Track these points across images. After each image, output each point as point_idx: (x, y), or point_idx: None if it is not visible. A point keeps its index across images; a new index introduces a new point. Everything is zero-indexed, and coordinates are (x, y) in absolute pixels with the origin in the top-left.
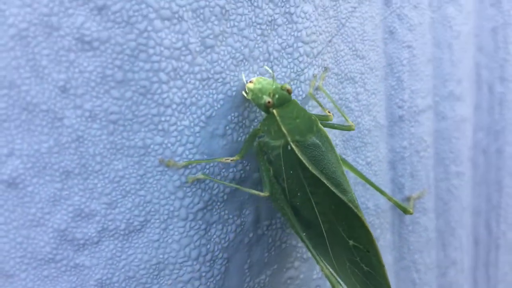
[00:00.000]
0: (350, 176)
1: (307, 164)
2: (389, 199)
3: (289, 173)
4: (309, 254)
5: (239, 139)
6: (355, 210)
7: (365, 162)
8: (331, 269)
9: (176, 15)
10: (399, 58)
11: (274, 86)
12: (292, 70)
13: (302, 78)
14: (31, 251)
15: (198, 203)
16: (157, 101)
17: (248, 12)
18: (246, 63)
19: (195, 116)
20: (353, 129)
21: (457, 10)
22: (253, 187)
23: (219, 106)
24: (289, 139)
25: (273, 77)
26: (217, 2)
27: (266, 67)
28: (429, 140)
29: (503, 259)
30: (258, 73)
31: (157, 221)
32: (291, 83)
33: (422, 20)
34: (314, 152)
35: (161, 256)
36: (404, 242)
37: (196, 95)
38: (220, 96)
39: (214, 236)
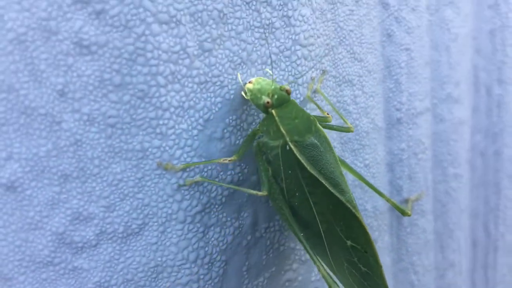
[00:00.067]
0: (349, 178)
1: (305, 164)
2: (387, 200)
3: (287, 173)
4: (308, 256)
5: (237, 142)
6: (353, 211)
7: (363, 165)
8: (328, 270)
9: (174, 19)
10: (397, 61)
11: (273, 87)
12: (290, 73)
13: (300, 81)
14: (30, 254)
15: (196, 206)
16: (155, 104)
17: (246, 15)
18: (244, 66)
19: (193, 119)
20: (352, 131)
21: (454, 13)
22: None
23: (217, 109)
24: (287, 139)
25: (272, 78)
26: (215, 5)
27: (267, 69)
28: (427, 142)
29: (501, 261)
30: (256, 76)
31: (155, 224)
32: (289, 85)
33: (420, 22)
34: (313, 152)
35: (159, 259)
36: (402, 244)
37: (194, 99)
38: (218, 99)
39: (212, 239)
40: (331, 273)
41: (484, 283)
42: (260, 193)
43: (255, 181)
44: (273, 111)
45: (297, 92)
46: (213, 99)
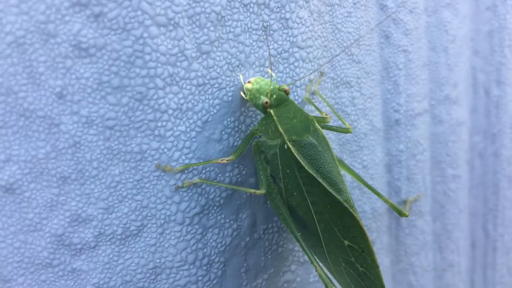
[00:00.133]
0: (347, 179)
1: (303, 163)
2: (385, 201)
3: (285, 172)
4: (306, 258)
5: (235, 143)
6: (351, 210)
7: (361, 166)
8: (326, 270)
9: (172, 22)
10: (395, 62)
11: (271, 87)
12: (288, 75)
13: (298, 83)
14: (29, 256)
15: (195, 207)
16: (154, 106)
17: (244, 18)
18: (242, 68)
19: (191, 121)
20: (350, 132)
21: (452, 14)
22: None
23: (215, 111)
24: (285, 138)
25: (271, 77)
26: (213, 8)
27: (269, 70)
28: (426, 143)
29: (500, 261)
30: (254, 77)
31: (154, 225)
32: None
33: (418, 24)
34: (310, 152)
35: (158, 260)
36: (401, 245)
37: (192, 101)
38: (216, 101)
39: (211, 240)
40: (328, 273)
41: (483, 283)
42: (258, 192)
43: (253, 183)
44: (272, 111)
45: (295, 94)
46: (211, 101)
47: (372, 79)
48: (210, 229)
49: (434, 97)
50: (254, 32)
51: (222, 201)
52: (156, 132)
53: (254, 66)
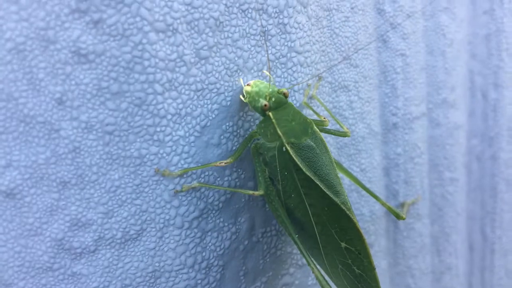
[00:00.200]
0: (345, 183)
1: (301, 166)
2: (383, 204)
3: (283, 174)
4: (304, 261)
5: (234, 148)
6: (348, 212)
7: (359, 169)
8: (322, 271)
9: (171, 28)
10: (392, 66)
11: (270, 90)
12: (286, 80)
13: (296, 87)
14: (29, 260)
15: (194, 211)
16: (152, 112)
17: (242, 23)
18: (240, 73)
19: (190, 126)
20: (348, 135)
21: (450, 18)
22: (248, 196)
23: (213, 116)
24: (284, 140)
25: (270, 80)
26: (211, 14)
27: (266, 72)
28: (423, 146)
29: (498, 263)
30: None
31: (153, 229)
32: None
33: (415, 28)
34: (309, 154)
35: (157, 264)
36: (399, 247)
37: (191, 106)
38: (215, 106)
39: (210, 244)
40: (325, 275)
41: (481, 286)
42: (256, 193)
43: (252, 186)
44: (270, 114)
45: (293, 98)
46: (210, 106)
47: (370, 83)
48: (209, 233)
49: (431, 101)
50: (252, 37)
51: (220, 205)
52: (155, 137)
53: (252, 71)
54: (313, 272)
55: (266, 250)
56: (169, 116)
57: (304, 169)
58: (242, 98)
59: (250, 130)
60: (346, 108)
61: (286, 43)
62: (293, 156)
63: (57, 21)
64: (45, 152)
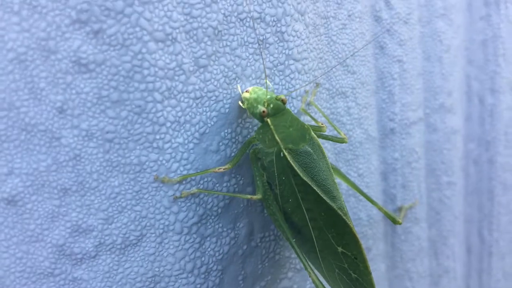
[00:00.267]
0: (343, 188)
1: (298, 171)
2: (380, 209)
3: (281, 179)
4: (302, 265)
5: (233, 154)
6: (344, 217)
7: (357, 174)
8: (320, 276)
9: (170, 37)
10: (389, 73)
11: (268, 96)
12: (284, 87)
13: (294, 94)
14: (31, 266)
15: (193, 217)
16: (152, 119)
17: (240, 32)
18: (238, 81)
19: (189, 133)
20: (346, 142)
21: (447, 25)
22: (246, 201)
23: (212, 123)
24: (282, 146)
25: (266, 85)
26: (210, 23)
27: (267, 81)
28: (421, 151)
29: (496, 266)
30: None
31: (153, 235)
32: None
33: (412, 35)
34: (306, 160)
35: (156, 269)
36: (397, 251)
37: (190, 113)
38: (214, 113)
39: (209, 249)
40: (322, 279)
41: None
42: (254, 197)
43: (250, 192)
44: (269, 120)
45: (292, 105)
46: (208, 114)
47: (367, 89)
48: (208, 238)
49: (428, 106)
50: (250, 45)
51: (219, 210)
52: (155, 144)
53: (250, 78)
54: (310, 276)
55: (264, 254)
56: (168, 124)
57: (301, 175)
58: (241, 105)
59: (248, 136)
60: (343, 114)
61: (284, 51)
62: (290, 161)
63: (58, 32)
64: (46, 160)
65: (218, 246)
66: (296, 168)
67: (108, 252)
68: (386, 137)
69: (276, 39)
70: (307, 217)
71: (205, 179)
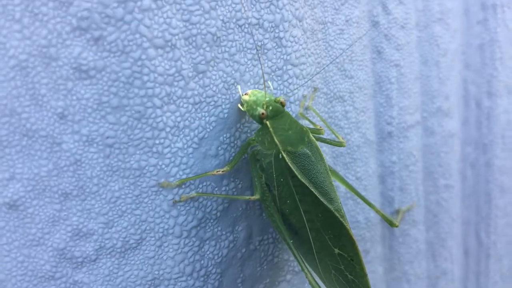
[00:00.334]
0: (341, 191)
1: (296, 173)
2: (377, 211)
3: (279, 180)
4: (300, 267)
5: (231, 158)
6: (341, 219)
7: (355, 177)
8: (316, 277)
9: (169, 43)
10: (387, 77)
11: (268, 98)
12: (282, 92)
13: (292, 99)
14: (32, 269)
15: (192, 221)
16: (152, 125)
17: (239, 38)
18: (237, 86)
19: (188, 138)
20: (344, 145)
21: (444, 29)
22: (245, 204)
23: (211, 128)
24: (280, 148)
25: (265, 89)
26: (209, 29)
27: (266, 83)
28: (418, 154)
29: (493, 268)
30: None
31: (153, 238)
32: None
33: (409, 39)
34: (304, 162)
35: (156, 272)
36: (395, 253)
37: (189, 118)
38: (212, 118)
39: (208, 252)
40: (318, 280)
41: None
42: (253, 198)
43: (249, 195)
44: (268, 122)
45: (290, 109)
46: (207, 118)
47: (364, 93)
48: (207, 241)
49: (426, 110)
50: (248, 51)
51: (218, 214)
52: (154, 149)
53: (249, 83)
54: (306, 277)
55: (263, 257)
56: (167, 129)
57: (299, 176)
58: (241, 107)
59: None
60: (341, 118)
61: (282, 56)
62: (289, 163)
63: (59, 39)
64: (47, 165)
65: (217, 249)
66: (294, 170)
67: (109, 256)
68: (383, 141)
69: (274, 44)
70: (304, 218)
71: (204, 183)
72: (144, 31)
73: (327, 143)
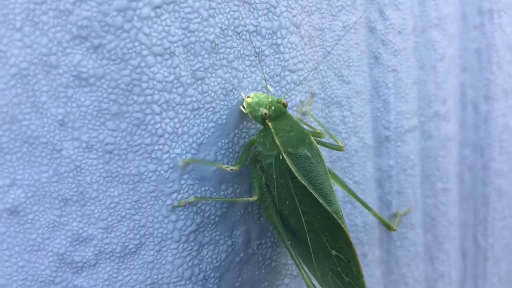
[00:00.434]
0: (339, 195)
1: (296, 174)
2: (375, 215)
3: (279, 181)
4: (297, 269)
5: (230, 164)
6: (339, 221)
7: (352, 181)
8: (313, 278)
9: (168, 51)
10: (384, 82)
11: (270, 99)
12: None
13: (289, 104)
14: (32, 274)
15: (191, 225)
16: (150, 131)
17: (237, 45)
18: (235, 92)
19: (186, 144)
20: (343, 150)
21: (441, 34)
22: (244, 209)
23: (209, 133)
24: (281, 149)
25: (267, 91)
26: (207, 37)
27: (268, 86)
28: (416, 158)
29: (491, 271)
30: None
31: (151, 243)
32: None
33: (406, 44)
34: (304, 163)
35: (155, 276)
36: (392, 256)
37: (187, 124)
38: (211, 124)
39: (206, 257)
40: (315, 281)
41: None
42: (251, 199)
43: (248, 201)
44: (270, 124)
45: None
46: (206, 124)
47: (362, 98)
48: (206, 246)
49: (423, 114)
50: (246, 58)
51: (217, 218)
52: (153, 155)
53: (247, 90)
54: (303, 278)
55: (261, 261)
56: (166, 135)
57: (299, 178)
58: (243, 109)
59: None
60: (339, 123)
61: (279, 63)
62: (289, 164)
63: (59, 47)
64: (48, 171)
65: (215, 253)
66: (294, 171)
67: (108, 260)
68: (381, 145)
69: (272, 51)
70: (303, 219)
71: (203, 188)
72: (143, 39)
73: (327, 147)
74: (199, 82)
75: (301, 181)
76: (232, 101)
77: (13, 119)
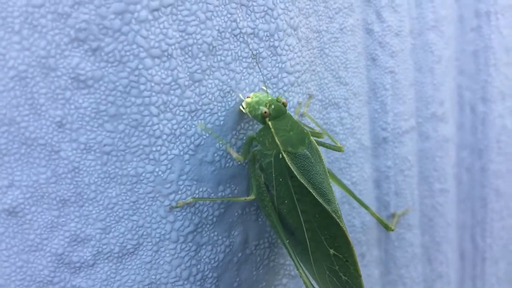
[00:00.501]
0: (338, 195)
1: (295, 173)
2: (372, 214)
3: (278, 180)
4: (297, 271)
5: (227, 165)
6: (338, 220)
7: (350, 182)
8: (310, 277)
9: (166, 53)
10: (382, 83)
11: (269, 98)
12: None
13: (287, 106)
14: (31, 275)
15: (189, 226)
16: (148, 132)
17: (234, 47)
18: (233, 94)
19: (184, 145)
20: (342, 150)
21: (438, 36)
22: (241, 210)
23: (207, 135)
24: (281, 149)
25: (267, 92)
26: (205, 39)
27: (264, 87)
28: (413, 159)
29: (489, 271)
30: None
31: (149, 244)
32: None
33: (404, 46)
34: (304, 163)
35: (153, 276)
36: (390, 257)
37: (185, 126)
38: (208, 125)
39: (204, 257)
40: (312, 280)
41: None
42: (248, 198)
43: (245, 202)
44: (270, 123)
45: None
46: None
47: (359, 99)
48: (204, 246)
49: (421, 115)
50: (244, 60)
51: (215, 219)
52: (151, 156)
53: (244, 91)
54: (301, 277)
55: (259, 262)
56: (164, 136)
57: (298, 176)
58: (242, 109)
59: (242, 147)
60: (336, 124)
61: (277, 65)
62: (288, 163)
63: (57, 50)
64: (46, 172)
65: (213, 254)
66: (293, 170)
67: (106, 261)
68: (378, 146)
69: (269, 53)
70: (301, 218)
71: (201, 189)
72: (141, 42)
73: (326, 147)
74: (196, 84)
75: (300, 180)
76: (229, 103)
77: (11, 121)
